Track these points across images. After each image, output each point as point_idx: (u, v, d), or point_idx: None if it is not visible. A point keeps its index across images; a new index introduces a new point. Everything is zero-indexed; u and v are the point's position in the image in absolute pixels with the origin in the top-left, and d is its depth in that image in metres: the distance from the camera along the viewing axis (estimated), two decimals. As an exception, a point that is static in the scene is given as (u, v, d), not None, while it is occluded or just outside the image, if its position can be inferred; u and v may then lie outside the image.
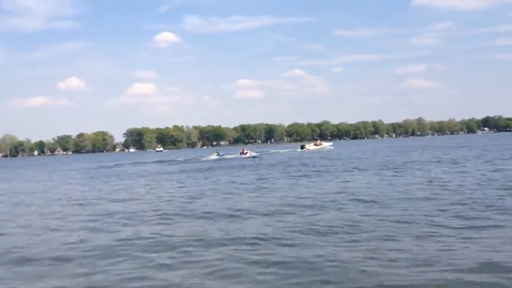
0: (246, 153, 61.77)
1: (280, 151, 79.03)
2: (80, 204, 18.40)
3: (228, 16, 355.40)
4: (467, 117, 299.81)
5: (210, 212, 14.06)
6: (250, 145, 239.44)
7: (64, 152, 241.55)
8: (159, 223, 12.83)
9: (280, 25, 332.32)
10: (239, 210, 14.27)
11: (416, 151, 53.55)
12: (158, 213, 14.68)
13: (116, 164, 61.96)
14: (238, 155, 61.05)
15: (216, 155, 63.66)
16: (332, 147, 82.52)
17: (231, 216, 13.29)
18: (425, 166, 28.65)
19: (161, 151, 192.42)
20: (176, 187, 24.01)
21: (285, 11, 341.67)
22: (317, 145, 78.87)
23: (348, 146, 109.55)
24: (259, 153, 66.06)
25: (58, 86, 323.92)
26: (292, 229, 10.93)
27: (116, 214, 14.81)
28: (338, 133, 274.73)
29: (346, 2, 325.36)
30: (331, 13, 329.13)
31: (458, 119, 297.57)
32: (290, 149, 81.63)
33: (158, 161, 65.71)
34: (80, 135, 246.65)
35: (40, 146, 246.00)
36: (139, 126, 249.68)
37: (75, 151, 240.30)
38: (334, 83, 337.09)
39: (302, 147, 77.59)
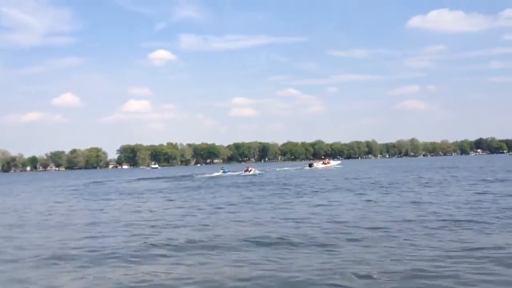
0: (250, 170, 63.79)
1: (288, 168, 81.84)
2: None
3: (224, 35, 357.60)
4: (460, 138, 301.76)
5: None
6: (243, 163, 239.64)
7: (57, 168, 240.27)
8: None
9: (275, 44, 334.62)
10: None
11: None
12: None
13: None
14: (242, 173, 62.69)
15: (222, 171, 66.12)
16: (340, 166, 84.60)
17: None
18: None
19: (157, 168, 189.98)
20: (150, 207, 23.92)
21: (280, 30, 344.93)
22: (325, 163, 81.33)
23: (353, 164, 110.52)
24: (262, 172, 67.57)
25: (52, 102, 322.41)
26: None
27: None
28: (332, 152, 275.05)
29: (340, 23, 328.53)
30: (325, 33, 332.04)
31: (451, 140, 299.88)
32: (298, 167, 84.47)
33: (157, 178, 66.56)
34: (73, 151, 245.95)
35: (33, 162, 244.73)
36: (132, 143, 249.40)
37: (68, 167, 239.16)
38: (328, 102, 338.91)
39: (310, 165, 79.46)
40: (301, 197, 25.27)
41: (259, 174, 62.34)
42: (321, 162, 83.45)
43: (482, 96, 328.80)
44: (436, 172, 50.68)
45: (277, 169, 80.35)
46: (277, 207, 20.76)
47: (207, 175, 62.71)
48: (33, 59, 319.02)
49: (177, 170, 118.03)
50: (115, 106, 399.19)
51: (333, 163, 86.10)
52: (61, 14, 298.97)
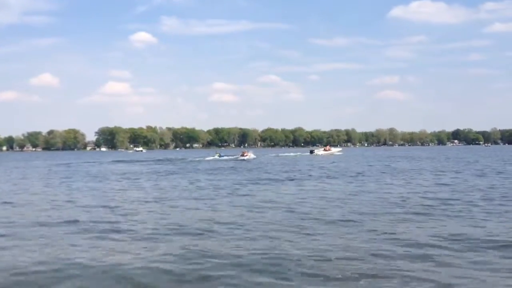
0: (247, 155, 67.50)
1: (288, 154, 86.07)
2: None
3: (206, 19, 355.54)
4: (438, 129, 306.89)
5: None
6: (223, 148, 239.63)
7: (34, 149, 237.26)
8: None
9: (257, 30, 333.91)
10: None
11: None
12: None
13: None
14: (239, 157, 66.50)
15: (218, 156, 69.69)
16: (341, 153, 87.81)
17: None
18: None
19: (141, 151, 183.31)
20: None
21: (263, 17, 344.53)
22: (326, 150, 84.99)
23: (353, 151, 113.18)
24: (257, 155, 73.08)
25: (30, 81, 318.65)
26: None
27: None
28: (312, 140, 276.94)
29: (323, 11, 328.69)
30: (308, 21, 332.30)
31: (429, 130, 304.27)
32: (298, 153, 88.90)
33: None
34: (51, 132, 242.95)
35: (9, 142, 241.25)
36: (111, 125, 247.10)
37: (45, 148, 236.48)
38: (309, 90, 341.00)
39: (312, 151, 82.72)
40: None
41: (253, 158, 66.12)
42: (322, 149, 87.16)
43: (461, 87, 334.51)
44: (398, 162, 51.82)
45: (280, 155, 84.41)
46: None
47: (208, 159, 66.33)
48: (11, 38, 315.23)
49: (166, 154, 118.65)
50: (94, 87, 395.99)
51: (334, 150, 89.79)
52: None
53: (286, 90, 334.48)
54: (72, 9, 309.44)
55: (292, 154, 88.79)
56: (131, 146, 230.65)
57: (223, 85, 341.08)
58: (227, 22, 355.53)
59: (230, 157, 68.43)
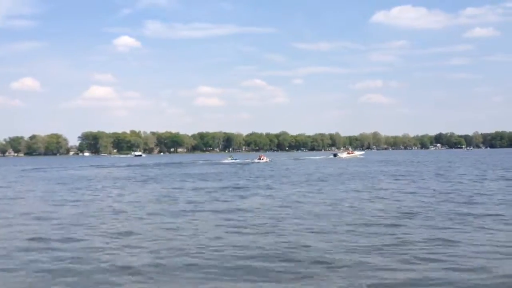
0: (263, 159, 73.42)
1: (313, 157, 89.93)
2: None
3: (191, 23, 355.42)
4: (420, 133, 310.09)
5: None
6: (208, 153, 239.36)
7: (16, 154, 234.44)
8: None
9: (242, 34, 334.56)
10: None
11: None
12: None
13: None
14: (255, 160, 72.49)
15: (231, 159, 75.50)
16: (363, 156, 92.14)
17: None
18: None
19: (141, 155, 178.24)
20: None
21: (248, 21, 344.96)
22: (349, 153, 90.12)
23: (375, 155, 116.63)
24: (272, 159, 79.81)
25: (11, 85, 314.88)
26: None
27: None
28: (296, 144, 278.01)
29: (307, 16, 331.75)
30: (293, 25, 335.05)
31: (412, 134, 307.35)
32: (322, 156, 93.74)
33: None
34: (33, 137, 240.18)
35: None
36: (95, 130, 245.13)
37: (27, 153, 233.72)
38: (294, 94, 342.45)
39: (335, 155, 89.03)
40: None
41: (270, 161, 72.47)
42: (346, 152, 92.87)
43: (443, 92, 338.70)
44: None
45: (307, 158, 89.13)
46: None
47: (225, 161, 71.98)
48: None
49: (166, 158, 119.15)
50: (77, 92, 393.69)
51: (357, 153, 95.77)
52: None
53: (271, 94, 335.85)
54: (55, 13, 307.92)
55: (317, 157, 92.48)
56: (114, 151, 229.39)
57: (208, 89, 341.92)
58: (212, 26, 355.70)
59: (246, 160, 73.89)
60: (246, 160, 72.58)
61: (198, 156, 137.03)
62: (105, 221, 16.13)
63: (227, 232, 13.57)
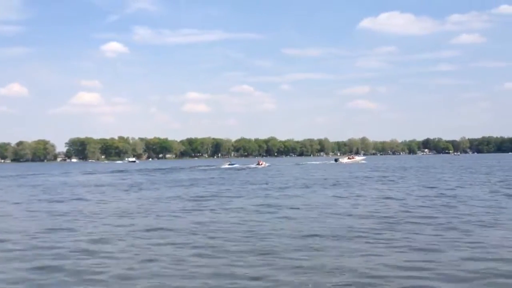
0: (262, 164, 74.81)
1: (314, 162, 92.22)
2: None
3: (179, 29, 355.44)
4: (408, 138, 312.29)
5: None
6: (197, 158, 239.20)
7: (2, 160, 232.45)
8: None
9: (230, 40, 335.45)
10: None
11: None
12: None
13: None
14: (254, 165, 73.81)
15: (229, 164, 76.61)
16: (365, 161, 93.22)
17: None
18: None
19: (134, 162, 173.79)
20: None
21: (236, 27, 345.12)
22: (350, 158, 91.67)
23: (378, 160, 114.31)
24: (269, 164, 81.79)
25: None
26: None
27: None
28: (285, 149, 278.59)
29: (295, 22, 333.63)
30: (281, 31, 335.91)
31: (400, 139, 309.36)
32: (324, 162, 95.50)
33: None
34: (20, 143, 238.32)
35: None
36: (82, 136, 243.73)
37: (14, 160, 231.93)
38: (282, 100, 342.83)
39: (336, 160, 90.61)
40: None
41: (268, 166, 74.91)
42: (347, 157, 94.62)
43: (430, 97, 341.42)
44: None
45: (308, 163, 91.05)
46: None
47: (223, 166, 73.52)
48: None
49: (161, 164, 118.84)
50: (65, 98, 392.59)
51: (358, 158, 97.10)
52: (9, 2, 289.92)
53: (259, 99, 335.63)
54: (43, 18, 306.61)
55: (318, 162, 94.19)
56: (102, 157, 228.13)
57: (196, 94, 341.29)
58: (200, 32, 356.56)
59: (243, 165, 75.17)
60: (245, 166, 74.78)
61: (199, 162, 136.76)
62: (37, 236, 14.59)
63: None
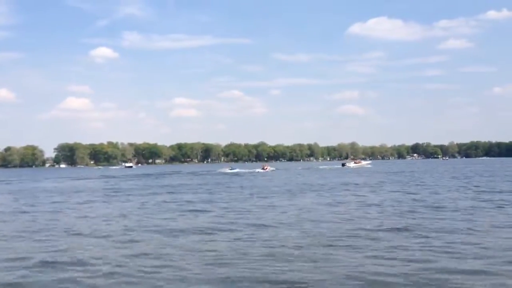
0: (267, 168, 75.27)
1: (321, 167, 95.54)
2: None
3: (168, 34, 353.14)
4: (397, 143, 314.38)
5: None
6: (186, 164, 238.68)
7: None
8: None
9: (219, 45, 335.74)
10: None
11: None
12: None
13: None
14: (260, 170, 73.60)
15: (230, 169, 77.71)
16: (370, 165, 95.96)
17: None
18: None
19: (131, 167, 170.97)
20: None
21: (226, 32, 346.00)
22: (356, 163, 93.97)
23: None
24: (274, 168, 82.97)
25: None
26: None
27: None
28: (275, 154, 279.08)
29: (285, 27, 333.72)
30: (270, 36, 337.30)
31: (389, 144, 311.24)
32: (331, 166, 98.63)
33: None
34: (8, 149, 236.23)
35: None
36: (71, 141, 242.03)
37: (2, 165, 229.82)
38: (272, 105, 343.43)
39: (343, 164, 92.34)
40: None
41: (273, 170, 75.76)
42: (353, 162, 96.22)
43: (419, 102, 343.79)
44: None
45: (320, 167, 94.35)
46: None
47: (226, 171, 74.15)
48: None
49: (159, 169, 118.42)
50: (53, 103, 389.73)
51: (364, 163, 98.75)
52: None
53: (249, 105, 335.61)
54: (31, 23, 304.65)
55: (326, 167, 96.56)
56: (92, 162, 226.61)
57: (186, 100, 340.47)
58: (189, 37, 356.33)
59: (246, 170, 76.04)
60: (249, 170, 74.92)
61: (197, 167, 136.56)
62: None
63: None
